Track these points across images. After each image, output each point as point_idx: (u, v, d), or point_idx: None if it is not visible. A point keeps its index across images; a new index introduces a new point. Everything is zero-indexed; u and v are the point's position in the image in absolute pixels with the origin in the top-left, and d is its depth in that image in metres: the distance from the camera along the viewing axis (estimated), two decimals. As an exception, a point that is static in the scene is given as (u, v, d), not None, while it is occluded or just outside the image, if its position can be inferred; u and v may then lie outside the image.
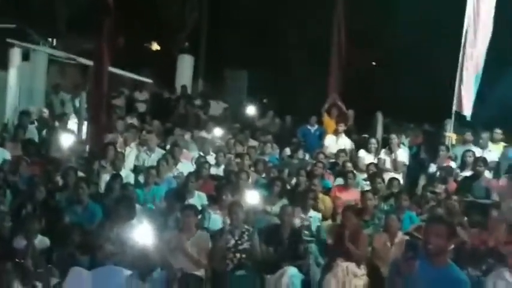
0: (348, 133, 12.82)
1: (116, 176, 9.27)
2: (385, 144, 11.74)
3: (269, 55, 17.37)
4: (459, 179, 10.06)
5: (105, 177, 9.54)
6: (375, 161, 11.07)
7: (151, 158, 10.97)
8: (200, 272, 7.32)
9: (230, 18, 19.12)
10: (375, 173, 10.20)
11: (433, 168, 10.83)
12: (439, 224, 4.83)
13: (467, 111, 12.23)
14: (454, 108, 11.92)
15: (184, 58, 19.06)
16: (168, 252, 7.23)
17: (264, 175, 10.50)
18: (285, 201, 8.90)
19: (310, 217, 8.69)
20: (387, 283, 5.13)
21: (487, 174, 10.14)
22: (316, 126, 13.42)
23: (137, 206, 8.37)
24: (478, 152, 11.33)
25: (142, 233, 6.84)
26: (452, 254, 7.39)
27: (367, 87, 15.13)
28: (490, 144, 11.80)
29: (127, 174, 10.01)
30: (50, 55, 14.69)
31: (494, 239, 6.70)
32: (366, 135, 12.36)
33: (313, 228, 8.52)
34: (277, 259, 7.55)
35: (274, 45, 17.68)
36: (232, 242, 7.53)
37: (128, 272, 6.70)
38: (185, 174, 9.86)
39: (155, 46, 22.30)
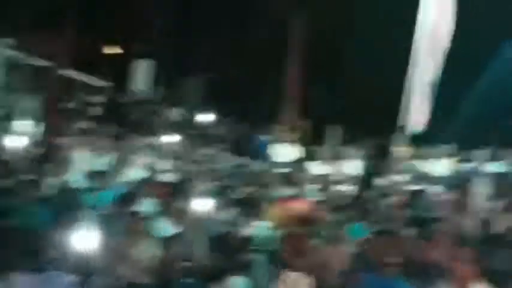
0: (302, 143, 12.92)
1: (63, 180, 9.09)
2: (339, 155, 11.87)
3: (227, 62, 17.36)
4: (408, 192, 10.21)
5: (53, 181, 9.35)
6: (327, 172, 11.18)
7: (103, 163, 10.81)
8: (146, 280, 7.20)
9: (191, 24, 19.05)
10: (326, 184, 10.29)
11: (384, 181, 10.98)
12: (385, 236, 4.89)
13: (421, 125, 12.43)
14: (403, 122, 12.10)
15: (142, 63, 18.90)
16: (113, 259, 7.10)
17: (216, 183, 10.46)
18: (236, 209, 8.88)
19: (260, 226, 8.68)
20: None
21: (437, 188, 10.33)
22: (271, 136, 13.46)
23: (84, 210, 8.21)
24: (429, 166, 11.58)
25: (87, 239, 6.69)
26: (399, 267, 7.56)
27: (323, 99, 15.24)
28: (441, 159, 12.08)
29: (76, 178, 9.82)
30: (5, 55, 14.37)
31: (439, 253, 6.79)
32: (320, 146, 12.46)
33: (262, 237, 8.50)
34: (225, 268, 7.49)
35: (233, 51, 17.68)
36: (181, 249, 7.45)
37: (70, 278, 6.54)
38: (137, 179, 9.74)
39: (114, 50, 22.05)
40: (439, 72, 12.09)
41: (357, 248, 7.59)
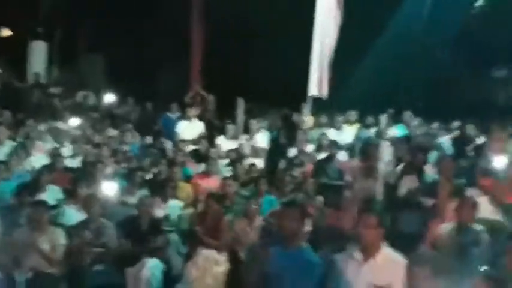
0: (208, 119, 12.82)
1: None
2: (247, 129, 11.87)
3: (128, 40, 16.92)
4: (315, 161, 10.37)
5: None
6: (235, 147, 11.16)
7: (1, 152, 10.32)
8: (54, 270, 6.97)
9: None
10: (235, 159, 10.28)
11: (292, 152, 11.08)
12: (291, 207, 4.92)
13: (324, 93, 12.62)
14: (310, 92, 12.24)
15: (37, 44, 18.09)
16: (18, 250, 6.82)
17: (123, 165, 10.23)
18: (145, 191, 8.73)
19: (172, 206, 8.60)
20: (244, 268, 5.17)
21: (343, 155, 10.52)
22: (178, 114, 13.26)
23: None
24: (334, 134, 11.79)
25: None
26: (308, 236, 7.69)
27: (228, 73, 15.17)
28: (344, 126, 12.33)
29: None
30: None
31: (348, 220, 6.95)
32: (227, 121, 12.40)
33: (174, 217, 8.43)
34: (136, 251, 7.38)
35: (134, 29, 17.23)
36: (89, 236, 7.27)
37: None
38: (39, 167, 9.37)
39: (5, 32, 20.95)
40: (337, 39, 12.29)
41: (267, 220, 7.68)
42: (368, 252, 4.68)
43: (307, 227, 7.80)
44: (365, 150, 7.93)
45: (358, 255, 4.71)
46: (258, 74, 14.44)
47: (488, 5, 12.32)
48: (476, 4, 12.57)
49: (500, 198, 7.21)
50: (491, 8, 12.12)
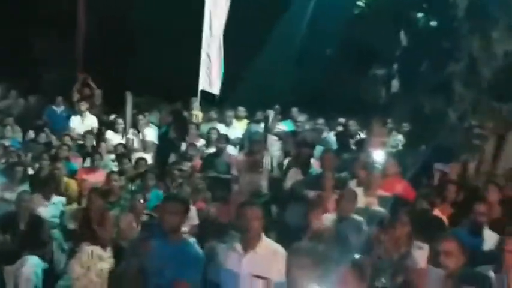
0: (97, 112, 12.54)
1: None
2: (136, 123, 11.71)
3: (11, 32, 16.18)
4: (204, 156, 10.39)
5: None
6: (123, 142, 10.98)
7: None
8: None
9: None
10: (123, 153, 10.11)
11: (183, 146, 11.04)
12: (173, 201, 4.91)
13: (214, 88, 12.66)
14: (200, 87, 12.24)
15: None
16: None
17: (3, 160, 9.78)
18: (26, 187, 8.40)
19: (55, 202, 8.33)
20: (125, 263, 5.10)
21: (232, 150, 10.60)
22: (62, 107, 12.84)
23: None
24: (224, 129, 11.86)
25: None
26: (196, 229, 7.71)
27: (115, 67, 14.86)
28: (234, 121, 12.44)
29: None
30: None
31: (234, 212, 7.02)
32: (114, 115, 12.16)
33: (57, 213, 8.16)
34: (15, 248, 7.09)
35: (17, 21, 16.50)
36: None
37: None
38: None
39: None
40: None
41: (150, 215, 7.63)
42: (249, 243, 4.74)
43: (195, 221, 7.85)
44: (250, 145, 8.05)
45: (238, 246, 4.77)
46: (147, 68, 14.26)
47: (369, 5, 12.83)
48: (358, 3, 13.06)
49: (377, 190, 7.56)
50: (371, 8, 12.63)
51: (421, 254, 3.92)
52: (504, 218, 6.71)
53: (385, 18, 11.45)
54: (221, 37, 12.23)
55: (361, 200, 7.29)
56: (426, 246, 3.98)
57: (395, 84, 10.84)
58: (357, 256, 4.34)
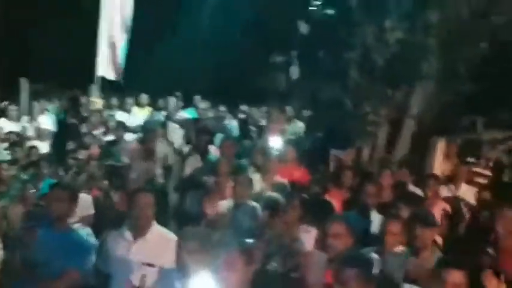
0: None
1: None
2: (31, 110, 11.30)
3: None
4: (102, 143, 10.14)
5: None
6: (18, 129, 10.55)
7: None
8: None
9: None
10: (15, 141, 9.70)
11: (80, 134, 10.72)
12: (59, 189, 4.76)
13: (113, 74, 12.39)
14: (100, 73, 11.94)
15: None
16: None
17: None
18: None
19: None
20: (9, 254, 4.90)
21: (131, 138, 10.39)
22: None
23: None
24: (124, 116, 11.61)
25: None
26: (93, 218, 7.51)
27: (8, 53, 14.25)
28: (136, 108, 12.21)
29: None
30: None
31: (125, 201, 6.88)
32: (7, 102, 11.64)
33: None
34: None
35: None
36: None
37: None
38: None
39: None
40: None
41: (37, 203, 7.35)
42: (139, 231, 4.67)
43: (91, 210, 7.63)
44: (142, 133, 7.93)
45: (128, 234, 4.67)
46: (43, 55, 13.75)
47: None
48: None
49: (274, 176, 7.63)
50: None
51: (308, 237, 3.97)
52: (393, 201, 6.92)
53: (283, 6, 11.58)
54: (122, 22, 11.97)
55: (259, 186, 7.35)
56: (313, 230, 4.04)
57: (294, 71, 11.00)
58: (248, 241, 4.34)
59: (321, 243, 4.31)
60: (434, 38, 8.49)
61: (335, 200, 7.16)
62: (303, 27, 10.66)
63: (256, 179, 7.39)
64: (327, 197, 7.08)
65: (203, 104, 11.99)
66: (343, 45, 9.11)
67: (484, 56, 8.62)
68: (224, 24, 13.75)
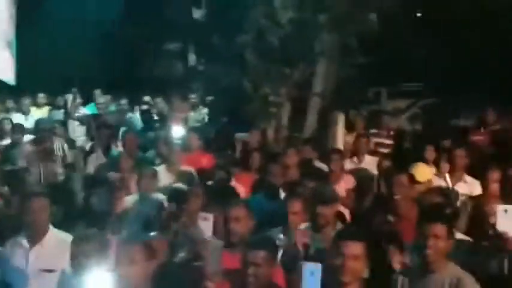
0: None
1: None
2: None
3: None
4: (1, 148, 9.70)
5: None
6: None
7: None
8: None
9: None
10: None
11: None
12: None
13: (7, 75, 11.88)
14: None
15: None
16: None
17: None
18: None
19: None
20: None
21: (27, 138, 9.99)
22: None
23: None
24: (21, 118, 11.15)
25: None
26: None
27: None
28: (33, 109, 11.75)
29: None
30: None
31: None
32: None
33: None
34: None
35: None
36: None
37: None
38: None
39: None
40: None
41: None
42: (35, 237, 4.49)
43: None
44: (36, 133, 7.65)
45: (24, 241, 4.49)
46: None
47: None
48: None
49: (180, 165, 7.53)
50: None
51: (206, 224, 3.95)
52: (298, 180, 6.98)
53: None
54: (9, 20, 11.46)
55: (166, 177, 7.25)
56: (211, 216, 4.01)
57: (191, 58, 10.89)
58: (148, 234, 4.26)
59: (224, 228, 4.29)
60: (324, 15, 8.60)
61: (244, 183, 7.18)
62: (196, 13, 10.56)
63: (163, 171, 7.29)
64: (235, 181, 7.08)
65: (102, 99, 11.66)
66: (237, 28, 9.10)
67: (374, 28, 8.82)
68: (116, 14, 13.44)
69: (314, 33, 8.69)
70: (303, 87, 9.83)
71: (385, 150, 9.34)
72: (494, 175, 5.47)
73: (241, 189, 6.88)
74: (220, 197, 5.27)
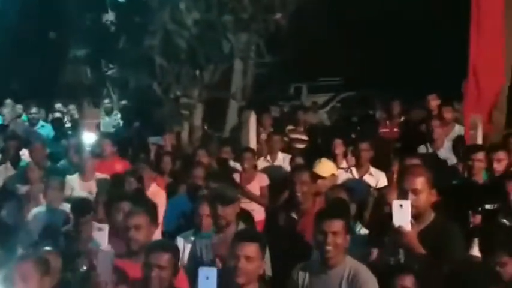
0: None
1: None
2: None
3: None
4: None
5: None
6: None
7: None
8: None
9: None
10: None
11: None
12: None
13: None
14: None
15: None
16: None
17: None
18: None
19: None
20: None
21: None
22: None
23: None
24: None
25: None
26: None
27: None
28: None
29: None
30: None
31: None
32: None
33: None
34: None
35: None
36: None
37: None
38: None
39: None
40: None
41: None
42: None
43: None
44: None
45: None
46: None
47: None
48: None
49: (94, 173, 7.37)
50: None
51: (100, 235, 3.89)
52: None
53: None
54: None
55: (80, 187, 7.11)
56: (106, 227, 3.96)
57: (101, 62, 10.68)
58: (44, 249, 4.16)
59: (123, 236, 4.23)
60: (229, 16, 8.63)
61: (161, 187, 7.10)
62: (104, 17, 10.38)
63: (76, 180, 7.13)
64: (156, 185, 6.97)
65: (6, 110, 11.20)
66: (143, 31, 9.00)
67: (282, 27, 8.91)
68: (22, 20, 13.00)
69: (220, 34, 8.70)
70: (219, 87, 9.84)
71: (302, 146, 9.44)
72: (398, 167, 5.59)
73: (161, 192, 6.83)
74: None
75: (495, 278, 3.50)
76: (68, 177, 7.20)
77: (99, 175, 7.42)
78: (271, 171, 7.81)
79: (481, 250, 3.66)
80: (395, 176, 5.67)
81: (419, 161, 5.32)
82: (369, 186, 6.40)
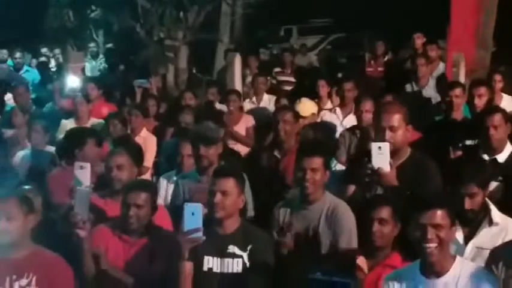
0: None
1: None
2: None
3: None
4: None
5: None
6: None
7: None
8: None
9: None
10: None
11: None
12: None
13: None
14: None
15: None
16: None
17: None
18: None
19: None
20: None
21: None
22: None
23: None
24: None
25: None
26: None
27: None
28: None
29: None
30: None
31: None
32: None
33: None
34: None
35: None
36: None
37: None
38: None
39: None
40: None
41: None
42: None
43: None
44: None
45: None
46: None
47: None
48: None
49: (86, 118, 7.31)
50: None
51: (82, 173, 3.92)
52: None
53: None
54: None
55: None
56: (88, 165, 3.99)
57: (84, 5, 10.47)
58: (26, 187, 4.20)
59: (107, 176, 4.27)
60: None
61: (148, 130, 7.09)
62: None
63: (70, 125, 7.10)
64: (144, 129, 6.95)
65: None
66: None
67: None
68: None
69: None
70: (207, 29, 9.73)
71: (290, 88, 9.44)
72: (367, 105, 5.55)
73: (152, 137, 6.83)
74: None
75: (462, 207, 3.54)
76: (64, 121, 7.19)
77: (94, 120, 7.40)
78: (257, 113, 7.82)
79: (453, 181, 3.67)
80: (365, 114, 5.65)
81: (394, 98, 5.29)
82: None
